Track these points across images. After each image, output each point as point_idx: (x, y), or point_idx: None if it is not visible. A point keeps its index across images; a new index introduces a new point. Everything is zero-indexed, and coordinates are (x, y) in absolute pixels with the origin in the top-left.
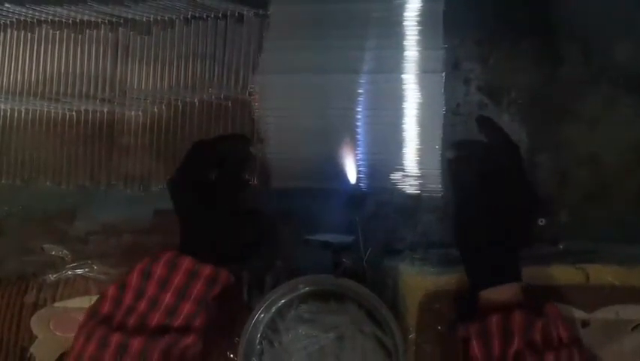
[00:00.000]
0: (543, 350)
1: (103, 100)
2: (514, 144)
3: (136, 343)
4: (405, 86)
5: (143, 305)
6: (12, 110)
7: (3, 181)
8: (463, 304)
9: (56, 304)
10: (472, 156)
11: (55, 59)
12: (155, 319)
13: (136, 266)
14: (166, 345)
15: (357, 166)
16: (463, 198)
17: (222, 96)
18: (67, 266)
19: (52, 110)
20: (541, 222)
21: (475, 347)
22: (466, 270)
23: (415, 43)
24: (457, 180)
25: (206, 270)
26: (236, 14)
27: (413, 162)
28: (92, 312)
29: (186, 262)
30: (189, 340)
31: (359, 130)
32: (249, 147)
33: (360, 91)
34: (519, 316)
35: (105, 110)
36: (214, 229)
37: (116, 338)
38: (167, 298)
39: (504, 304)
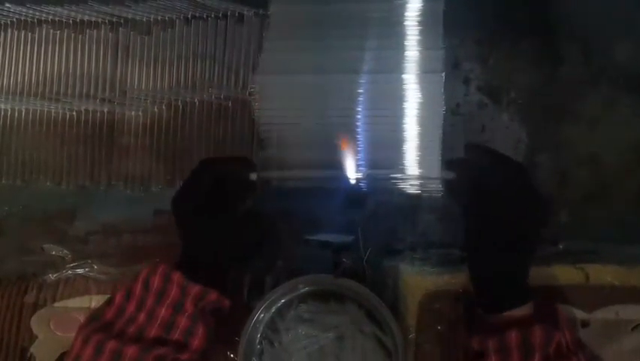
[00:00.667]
0: (555, 359)
1: (103, 100)
2: (516, 162)
3: (130, 351)
4: (405, 86)
5: (142, 317)
6: (12, 110)
7: (3, 181)
8: (471, 317)
9: (56, 304)
10: (473, 178)
11: (56, 59)
12: (153, 332)
13: (140, 274)
14: (160, 354)
15: (357, 166)
16: (469, 223)
17: (222, 96)
18: (68, 266)
19: (53, 110)
20: None
21: None
22: (478, 294)
23: (415, 43)
24: (461, 204)
25: (194, 289)
26: (237, 14)
27: (413, 162)
28: (95, 316)
29: (177, 277)
30: (184, 357)
31: (359, 130)
32: (251, 172)
33: (360, 91)
34: (539, 331)
35: (105, 110)
36: (214, 242)
37: (111, 345)
38: (163, 311)
39: (518, 319)
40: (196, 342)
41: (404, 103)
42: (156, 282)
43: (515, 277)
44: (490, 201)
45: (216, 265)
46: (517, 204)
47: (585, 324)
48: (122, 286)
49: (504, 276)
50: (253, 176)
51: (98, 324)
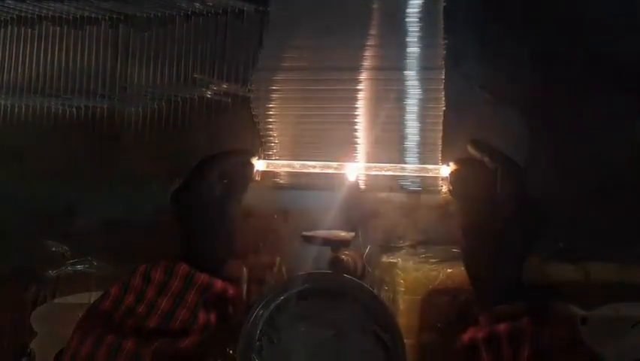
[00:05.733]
0: (551, 355)
1: (103, 96)
2: (515, 163)
3: (129, 343)
4: (405, 83)
5: (142, 308)
6: (12, 106)
7: (3, 177)
8: (465, 316)
9: (56, 301)
10: (472, 176)
11: (56, 56)
12: (152, 322)
13: (138, 269)
14: (159, 346)
15: (357, 163)
16: (466, 219)
17: (222, 93)
18: (67, 262)
19: (52, 107)
20: None
21: (485, 355)
22: (474, 292)
23: (415, 40)
24: (459, 201)
25: (200, 278)
26: (237, 10)
27: (413, 159)
28: (92, 310)
29: (182, 268)
30: (184, 344)
31: (359, 127)
32: (251, 160)
33: (360, 87)
34: (528, 323)
35: (105, 106)
36: (214, 237)
37: (110, 338)
38: (164, 303)
39: (510, 314)
40: (196, 327)
41: (405, 99)
42: (158, 275)
43: (509, 274)
44: (488, 199)
45: (216, 261)
46: (513, 205)
47: (585, 321)
48: (117, 281)
49: (497, 273)
50: (255, 162)
51: (95, 318)
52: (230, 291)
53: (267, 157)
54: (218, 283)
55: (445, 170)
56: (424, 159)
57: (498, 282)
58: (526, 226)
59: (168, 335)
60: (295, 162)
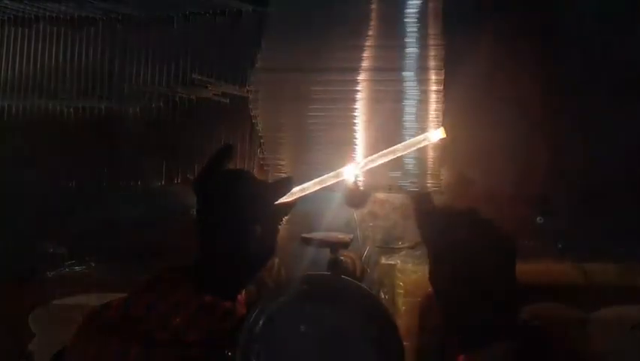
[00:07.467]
0: None
1: (101, 97)
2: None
3: (137, 348)
4: (404, 84)
5: (153, 318)
6: (9, 106)
7: (1, 178)
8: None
9: (55, 302)
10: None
11: (53, 56)
12: (162, 335)
13: (157, 281)
14: (167, 352)
15: (357, 164)
16: (439, 269)
17: (221, 93)
18: (66, 263)
19: (50, 107)
20: (540, 220)
21: None
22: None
23: (414, 41)
24: (434, 247)
25: (223, 307)
26: (235, 11)
27: (412, 160)
28: (98, 314)
29: (208, 299)
30: (191, 352)
31: (358, 127)
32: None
33: (359, 88)
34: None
35: (103, 106)
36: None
37: (118, 341)
38: (177, 321)
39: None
40: (202, 339)
41: (404, 100)
42: (178, 296)
43: (486, 316)
44: (458, 251)
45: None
46: (481, 256)
47: (584, 323)
48: (127, 288)
49: (474, 316)
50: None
51: (102, 322)
52: (242, 311)
53: (265, 159)
54: (240, 308)
55: (436, 134)
56: (423, 159)
57: (475, 325)
58: (495, 275)
59: (177, 344)
60: (293, 163)
